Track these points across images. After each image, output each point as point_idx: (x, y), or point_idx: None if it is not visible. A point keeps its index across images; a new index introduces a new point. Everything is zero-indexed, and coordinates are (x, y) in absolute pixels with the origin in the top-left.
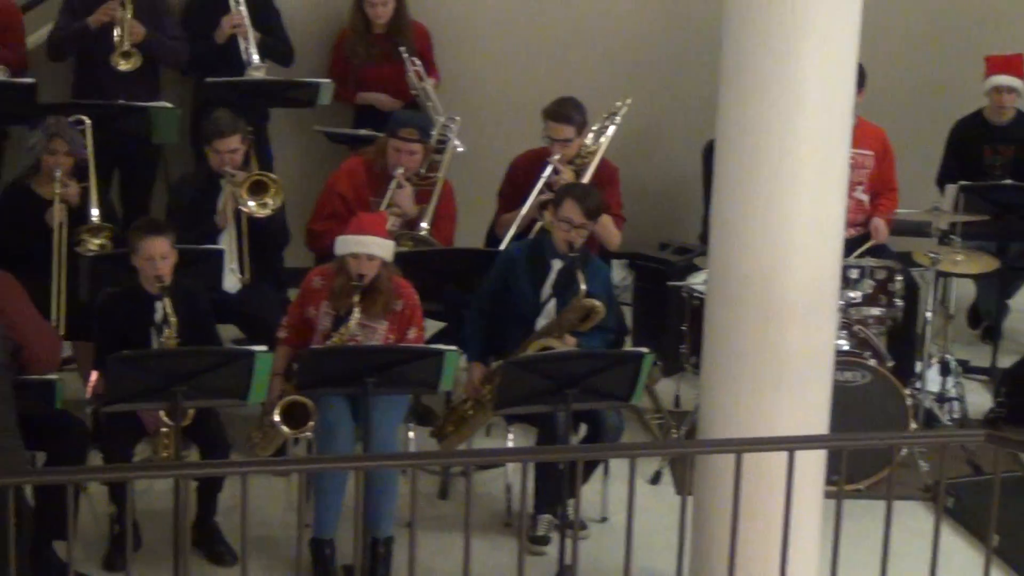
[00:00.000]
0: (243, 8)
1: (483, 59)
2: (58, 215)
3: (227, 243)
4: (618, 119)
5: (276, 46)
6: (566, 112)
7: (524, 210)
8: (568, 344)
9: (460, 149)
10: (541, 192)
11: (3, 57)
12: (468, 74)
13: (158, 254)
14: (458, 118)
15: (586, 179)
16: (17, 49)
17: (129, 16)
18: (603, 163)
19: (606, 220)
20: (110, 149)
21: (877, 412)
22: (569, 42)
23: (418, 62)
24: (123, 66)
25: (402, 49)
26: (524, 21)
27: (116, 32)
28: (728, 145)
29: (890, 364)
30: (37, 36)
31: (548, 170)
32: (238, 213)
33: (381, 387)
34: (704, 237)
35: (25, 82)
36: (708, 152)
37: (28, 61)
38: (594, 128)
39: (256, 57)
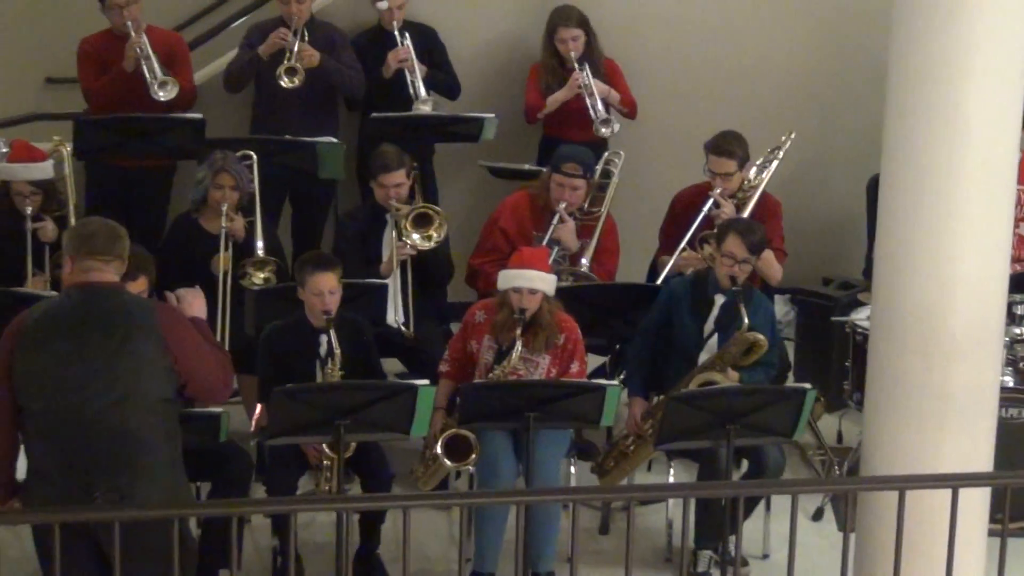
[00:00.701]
0: (409, 43)
1: (647, 94)
2: (223, 263)
3: (391, 290)
4: (781, 154)
5: (443, 80)
6: (728, 146)
7: (683, 243)
8: (730, 378)
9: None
10: (701, 226)
11: None
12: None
13: (326, 289)
14: (622, 153)
15: (747, 213)
16: (185, 80)
17: (302, 42)
18: (765, 197)
19: (768, 255)
20: (283, 184)
21: None
22: (733, 77)
23: (586, 65)
24: (286, 83)
25: (573, 54)
26: (689, 56)
27: (287, 56)
28: (893, 180)
29: None
30: (210, 69)
31: (708, 204)
32: (404, 262)
33: (543, 421)
34: (868, 272)
35: (194, 117)
36: (872, 187)
37: (197, 95)
38: (757, 162)
39: (423, 91)
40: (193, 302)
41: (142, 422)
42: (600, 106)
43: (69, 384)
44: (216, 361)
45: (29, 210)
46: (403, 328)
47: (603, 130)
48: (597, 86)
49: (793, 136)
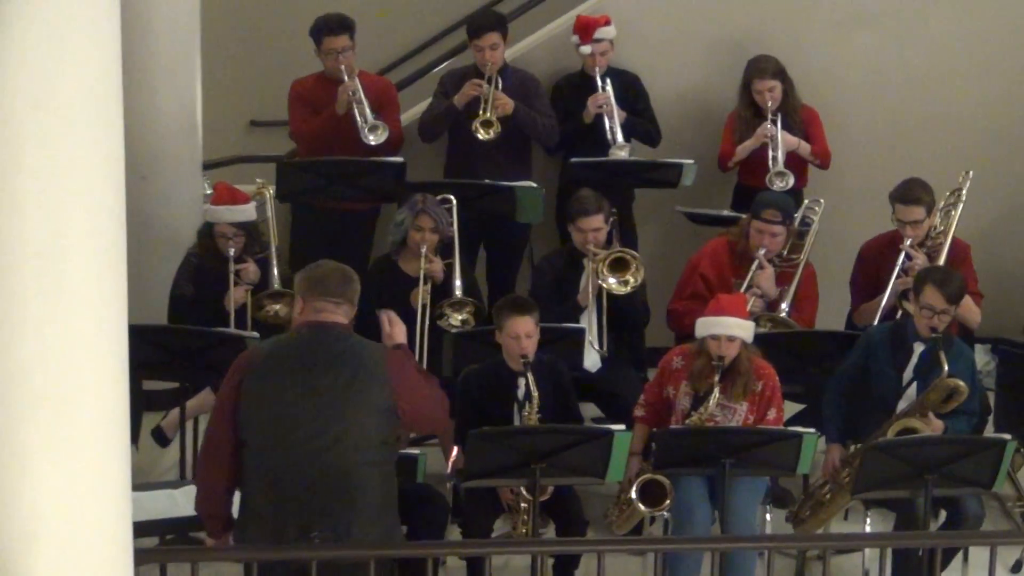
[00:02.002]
0: (609, 89)
1: (846, 140)
2: (422, 295)
3: (588, 320)
4: (963, 194)
5: (643, 126)
6: (915, 194)
7: (884, 300)
8: (934, 425)
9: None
10: (898, 279)
11: None
12: (832, 155)
13: (523, 332)
14: (822, 200)
15: (940, 261)
16: (394, 124)
17: (496, 91)
18: (954, 241)
19: (966, 300)
20: (478, 227)
21: None
22: (933, 124)
23: (779, 117)
24: (482, 135)
25: (770, 104)
26: (889, 103)
27: (482, 105)
28: None
29: None
30: (411, 114)
31: (901, 258)
32: (600, 292)
33: (739, 468)
34: None
35: (395, 161)
36: None
37: (404, 138)
38: (940, 207)
39: (620, 137)
40: (395, 327)
41: (361, 463)
42: (780, 159)
43: (292, 421)
44: (435, 399)
45: (232, 251)
46: (597, 350)
47: (777, 183)
48: (785, 138)
49: (971, 175)
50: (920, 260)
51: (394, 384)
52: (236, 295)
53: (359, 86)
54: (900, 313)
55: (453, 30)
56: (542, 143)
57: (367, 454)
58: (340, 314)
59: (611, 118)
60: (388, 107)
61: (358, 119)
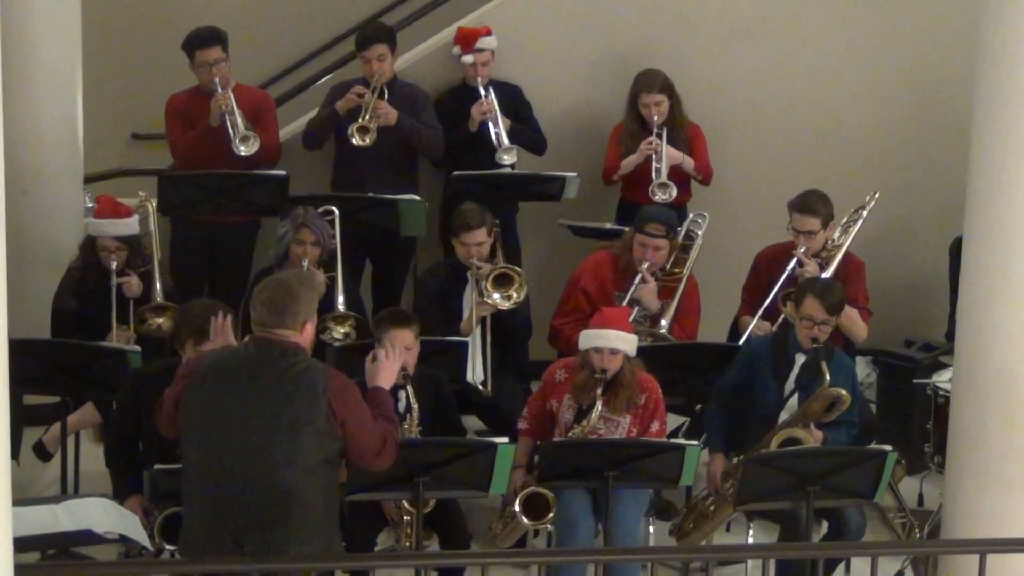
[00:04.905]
0: (492, 96)
1: (731, 154)
2: None
3: (471, 350)
4: (865, 213)
5: (528, 135)
6: (812, 204)
7: (766, 303)
8: (814, 435)
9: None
10: (785, 286)
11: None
12: (717, 169)
13: (403, 345)
14: (707, 215)
15: (830, 273)
16: (270, 136)
17: (380, 100)
18: (849, 257)
19: (853, 313)
20: (363, 240)
21: None
22: (818, 138)
23: (663, 131)
24: (357, 140)
25: (656, 119)
26: (774, 118)
27: (362, 114)
28: (976, 243)
29: None
30: (295, 126)
31: (792, 263)
32: (484, 322)
33: (622, 481)
34: (951, 335)
35: (277, 174)
36: (956, 249)
37: (283, 152)
38: (841, 222)
39: (506, 140)
40: (381, 370)
41: (300, 482)
42: (664, 171)
43: (230, 437)
44: (377, 432)
45: (114, 265)
46: (481, 387)
47: (659, 194)
48: (669, 152)
49: (877, 196)
50: (811, 269)
51: (333, 405)
52: (120, 340)
53: (231, 98)
54: (780, 318)
55: (335, 44)
56: (428, 155)
57: (306, 473)
58: (289, 329)
59: (496, 124)
60: (265, 119)
61: (230, 130)
